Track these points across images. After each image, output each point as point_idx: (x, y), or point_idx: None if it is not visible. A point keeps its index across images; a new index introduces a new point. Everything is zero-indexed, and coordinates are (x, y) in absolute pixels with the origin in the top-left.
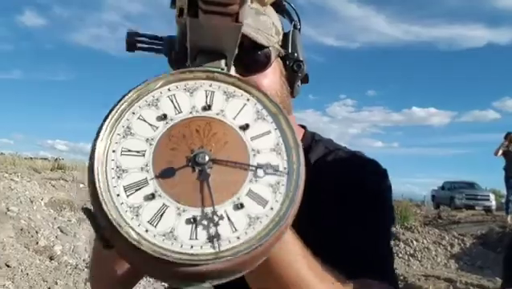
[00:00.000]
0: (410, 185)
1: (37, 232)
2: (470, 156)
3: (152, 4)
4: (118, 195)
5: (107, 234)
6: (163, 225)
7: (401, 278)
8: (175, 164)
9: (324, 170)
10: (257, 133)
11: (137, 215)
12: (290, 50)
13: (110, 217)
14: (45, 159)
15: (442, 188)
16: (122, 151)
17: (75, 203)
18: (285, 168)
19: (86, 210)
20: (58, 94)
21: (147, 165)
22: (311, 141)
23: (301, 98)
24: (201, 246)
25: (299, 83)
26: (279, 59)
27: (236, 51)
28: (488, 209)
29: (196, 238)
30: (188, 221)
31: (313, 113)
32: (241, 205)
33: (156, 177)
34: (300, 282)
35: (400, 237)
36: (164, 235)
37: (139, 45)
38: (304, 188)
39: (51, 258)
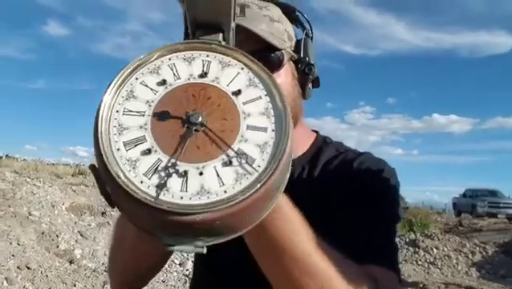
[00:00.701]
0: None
1: (57, 236)
2: (492, 163)
3: (172, 12)
4: (118, 149)
5: (109, 188)
6: (156, 178)
7: (421, 285)
8: (171, 123)
9: (334, 169)
10: (248, 98)
11: (134, 168)
12: (301, 55)
13: (109, 168)
14: (66, 165)
15: (464, 195)
16: (124, 111)
17: (95, 208)
18: (273, 130)
19: (91, 166)
20: (81, 102)
21: (145, 124)
22: (322, 143)
23: (319, 105)
24: (190, 198)
25: (310, 85)
26: (291, 62)
27: (233, 26)
28: (511, 218)
29: (186, 190)
30: (179, 175)
31: (331, 120)
32: (230, 162)
33: (153, 134)
34: (301, 253)
35: (419, 244)
36: (157, 186)
37: None
38: (314, 186)
39: (71, 262)
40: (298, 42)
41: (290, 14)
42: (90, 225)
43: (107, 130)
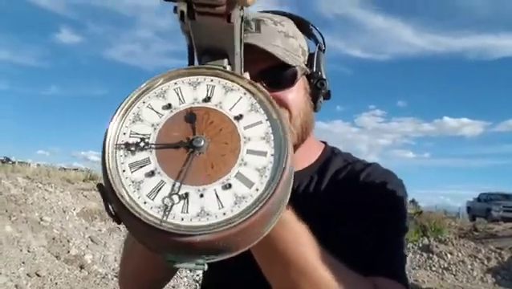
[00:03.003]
0: (443, 196)
1: (68, 241)
2: (506, 166)
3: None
4: (124, 171)
5: (114, 207)
6: (159, 199)
7: None
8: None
9: (342, 180)
10: (249, 123)
11: (138, 189)
12: (314, 70)
13: (115, 189)
14: (77, 170)
15: (478, 200)
16: (130, 133)
17: (106, 213)
18: (272, 155)
19: (99, 186)
20: (93, 108)
21: (150, 147)
22: (331, 154)
23: (328, 109)
24: (191, 219)
25: (322, 99)
26: (304, 77)
27: (238, 52)
28: None
29: (187, 212)
30: (181, 197)
31: (342, 124)
32: (230, 186)
33: (157, 156)
34: (305, 265)
35: (433, 250)
36: (159, 207)
37: None
38: (322, 196)
39: (82, 267)
40: (311, 55)
41: (304, 27)
42: (101, 230)
43: (114, 152)
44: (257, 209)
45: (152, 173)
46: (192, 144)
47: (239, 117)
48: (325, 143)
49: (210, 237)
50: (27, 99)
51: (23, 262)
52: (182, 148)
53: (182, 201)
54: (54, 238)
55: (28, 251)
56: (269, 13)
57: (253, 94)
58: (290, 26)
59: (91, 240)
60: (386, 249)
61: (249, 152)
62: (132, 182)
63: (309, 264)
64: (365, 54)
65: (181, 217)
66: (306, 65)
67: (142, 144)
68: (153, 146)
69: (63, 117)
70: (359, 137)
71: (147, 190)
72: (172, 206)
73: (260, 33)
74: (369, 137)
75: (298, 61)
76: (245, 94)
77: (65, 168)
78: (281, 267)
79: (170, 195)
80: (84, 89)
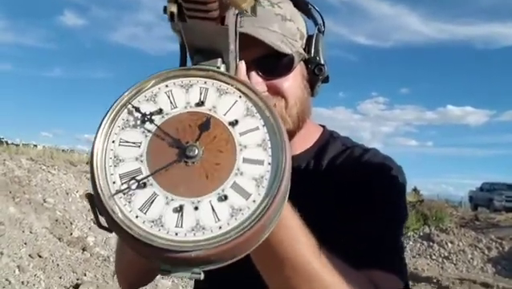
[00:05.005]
0: (445, 185)
1: (71, 223)
2: (510, 156)
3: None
4: (114, 182)
5: (104, 219)
6: (152, 213)
7: (435, 281)
8: (167, 155)
9: (340, 165)
10: (245, 129)
11: (130, 202)
12: (312, 54)
13: (105, 203)
14: (81, 153)
15: (481, 189)
16: (120, 141)
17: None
18: (269, 164)
19: (88, 195)
20: (96, 90)
21: (141, 156)
22: (329, 138)
23: (331, 95)
24: (185, 234)
25: (320, 83)
26: (302, 62)
27: (232, 49)
28: None
29: (181, 226)
30: (175, 210)
31: (344, 110)
32: (225, 197)
33: (149, 167)
34: (301, 260)
35: (434, 238)
36: (152, 222)
37: None
38: (319, 181)
39: (84, 249)
40: (309, 38)
41: (303, 7)
42: None
43: (103, 162)
44: (254, 222)
45: (143, 185)
46: (185, 154)
47: (234, 123)
48: (323, 126)
49: (206, 252)
50: (31, 81)
51: (25, 243)
52: (175, 157)
53: (176, 214)
54: (56, 220)
55: (30, 232)
56: None
57: (248, 97)
58: (288, 8)
59: (94, 222)
60: (384, 240)
61: (245, 160)
62: (123, 195)
63: (305, 260)
64: (369, 41)
65: (175, 231)
66: (304, 49)
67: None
68: (144, 156)
69: (67, 99)
70: (361, 124)
71: (139, 203)
72: (165, 220)
73: (256, 16)
74: (371, 124)
75: (295, 46)
76: (240, 97)
77: (69, 150)
78: (275, 264)
79: (163, 208)
80: (88, 72)
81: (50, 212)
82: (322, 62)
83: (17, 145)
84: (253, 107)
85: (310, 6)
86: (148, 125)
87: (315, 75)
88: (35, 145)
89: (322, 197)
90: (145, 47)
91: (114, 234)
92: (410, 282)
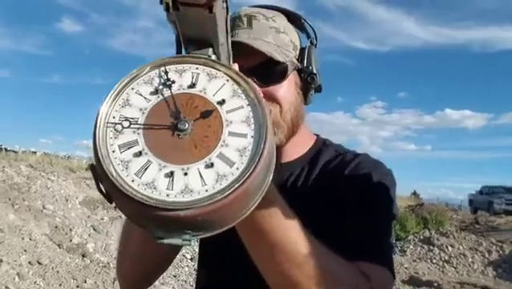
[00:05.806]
0: (445, 189)
1: (71, 230)
2: (509, 159)
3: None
4: (113, 151)
5: (105, 185)
6: (146, 177)
7: (435, 284)
8: (164, 119)
9: (332, 170)
10: (231, 107)
11: (127, 168)
12: (305, 64)
13: (105, 168)
14: (80, 159)
15: (480, 192)
16: (120, 117)
17: (106, 201)
18: (252, 137)
19: (91, 166)
20: (94, 97)
21: (138, 129)
22: (322, 146)
23: (330, 99)
24: (175, 196)
25: (312, 92)
26: (295, 71)
27: (223, 42)
28: None
29: (172, 189)
30: (166, 175)
31: (343, 115)
32: (212, 165)
33: (145, 138)
34: (291, 247)
35: (434, 242)
36: (146, 184)
37: None
38: (312, 185)
39: (83, 256)
40: (302, 50)
41: (296, 22)
42: (103, 219)
43: (104, 134)
44: (237, 185)
45: (139, 154)
46: (177, 127)
47: (222, 102)
48: (317, 135)
49: (193, 212)
50: (30, 88)
51: (25, 250)
52: (168, 130)
53: (168, 179)
54: (56, 227)
55: (30, 239)
56: (261, 8)
57: (235, 81)
58: (281, 22)
59: (93, 229)
60: (373, 235)
61: (230, 134)
62: (121, 162)
63: (294, 247)
64: (367, 45)
65: (166, 193)
66: (298, 59)
67: (130, 124)
68: (141, 127)
69: (66, 106)
70: (360, 129)
71: (135, 169)
72: (158, 183)
73: (251, 29)
74: (370, 129)
75: (289, 56)
76: (227, 81)
77: (68, 156)
78: (266, 249)
79: (156, 173)
80: (87, 78)
81: (50, 218)
82: (314, 71)
83: (16, 152)
84: (239, 89)
85: (303, 21)
86: (144, 103)
87: (308, 84)
88: (34, 152)
89: (315, 201)
90: (144, 54)
91: (113, 235)
92: (411, 287)
